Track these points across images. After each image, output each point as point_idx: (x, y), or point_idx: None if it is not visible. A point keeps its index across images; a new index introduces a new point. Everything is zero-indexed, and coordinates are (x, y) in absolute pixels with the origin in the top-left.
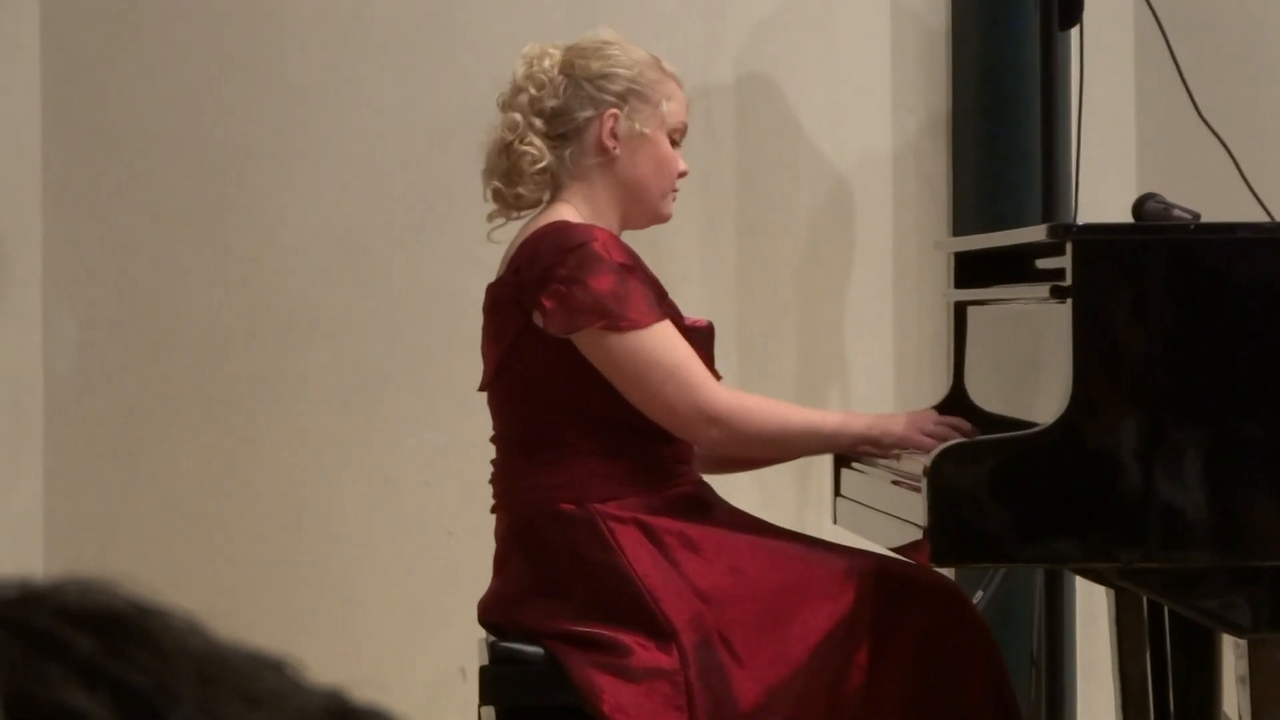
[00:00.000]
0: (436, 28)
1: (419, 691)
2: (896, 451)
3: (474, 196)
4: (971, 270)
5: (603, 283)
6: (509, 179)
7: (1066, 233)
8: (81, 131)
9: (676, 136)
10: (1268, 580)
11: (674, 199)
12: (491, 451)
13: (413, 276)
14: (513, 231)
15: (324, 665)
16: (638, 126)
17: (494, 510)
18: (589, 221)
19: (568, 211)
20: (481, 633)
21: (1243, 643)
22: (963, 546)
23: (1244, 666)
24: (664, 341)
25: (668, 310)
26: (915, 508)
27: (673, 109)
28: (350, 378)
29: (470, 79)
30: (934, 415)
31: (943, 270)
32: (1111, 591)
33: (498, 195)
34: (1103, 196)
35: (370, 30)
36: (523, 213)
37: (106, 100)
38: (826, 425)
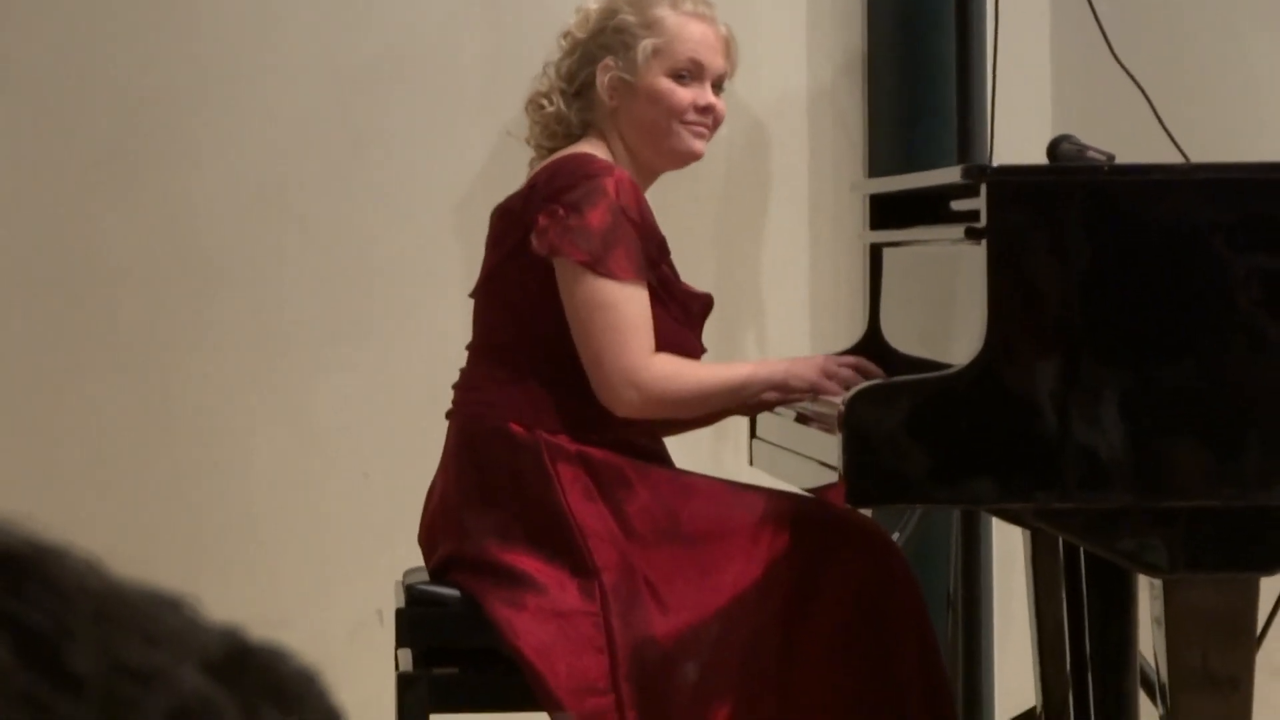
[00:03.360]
0: None
1: (336, 634)
2: (798, 397)
3: (393, 141)
4: (887, 212)
5: (599, 219)
6: (532, 131)
7: (981, 174)
8: None
9: (684, 71)
10: (1184, 521)
11: (700, 133)
12: (458, 359)
13: (331, 221)
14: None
15: (240, 608)
16: (624, 75)
17: (448, 415)
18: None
19: (596, 148)
20: (398, 575)
21: (1158, 583)
22: (878, 488)
23: (1159, 607)
24: (627, 297)
25: (662, 273)
26: (831, 449)
27: (661, 46)
28: (268, 322)
29: (389, 22)
30: (834, 359)
31: (858, 212)
32: (1028, 532)
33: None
34: (1018, 138)
35: None
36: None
37: (18, 45)
38: (735, 379)
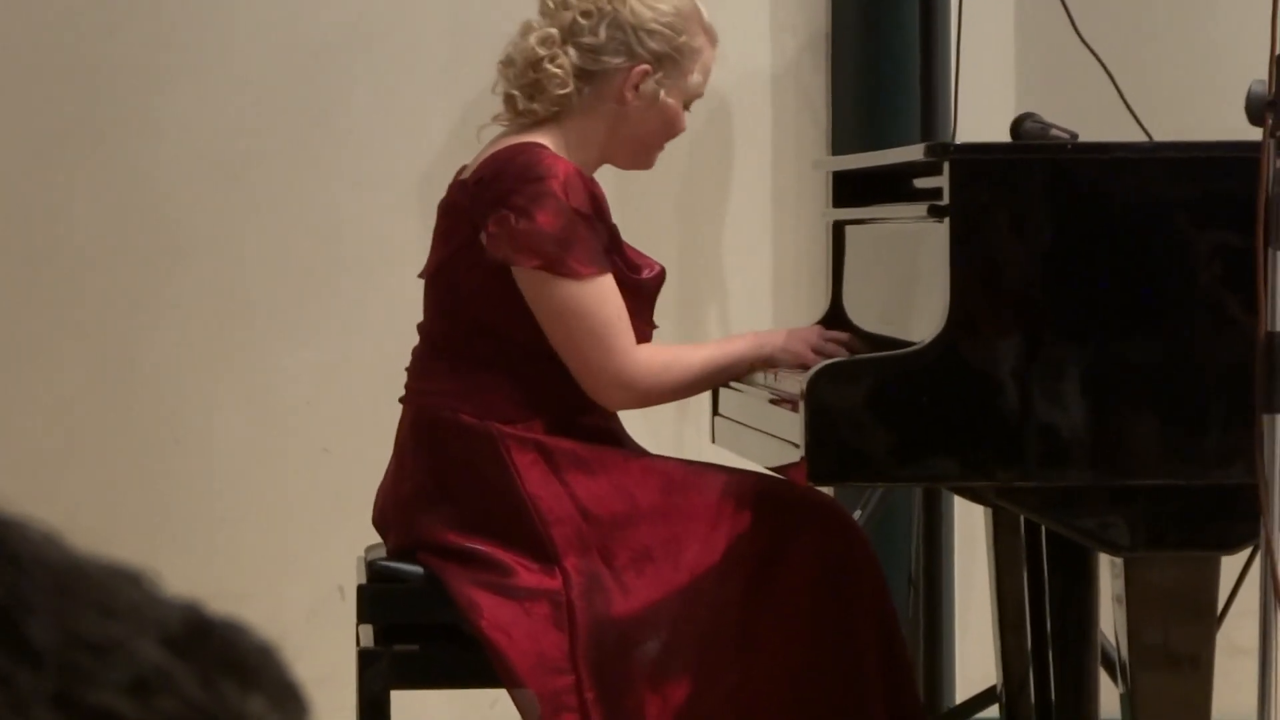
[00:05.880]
0: None
1: (297, 610)
2: (777, 370)
3: (355, 112)
4: (850, 190)
5: (550, 222)
6: (529, 93)
7: (944, 152)
8: None
9: (690, 103)
10: (1144, 499)
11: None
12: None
13: (293, 195)
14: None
15: (201, 584)
16: (662, 92)
17: (402, 400)
18: (565, 154)
19: (549, 137)
20: (359, 551)
21: (1119, 562)
22: (840, 466)
23: (1120, 585)
24: (597, 297)
25: (614, 263)
26: (793, 427)
27: (700, 81)
28: (230, 295)
29: None
30: (820, 330)
31: (822, 190)
32: (989, 511)
33: (510, 102)
34: (981, 116)
35: None
36: (521, 122)
37: None
38: (725, 359)
